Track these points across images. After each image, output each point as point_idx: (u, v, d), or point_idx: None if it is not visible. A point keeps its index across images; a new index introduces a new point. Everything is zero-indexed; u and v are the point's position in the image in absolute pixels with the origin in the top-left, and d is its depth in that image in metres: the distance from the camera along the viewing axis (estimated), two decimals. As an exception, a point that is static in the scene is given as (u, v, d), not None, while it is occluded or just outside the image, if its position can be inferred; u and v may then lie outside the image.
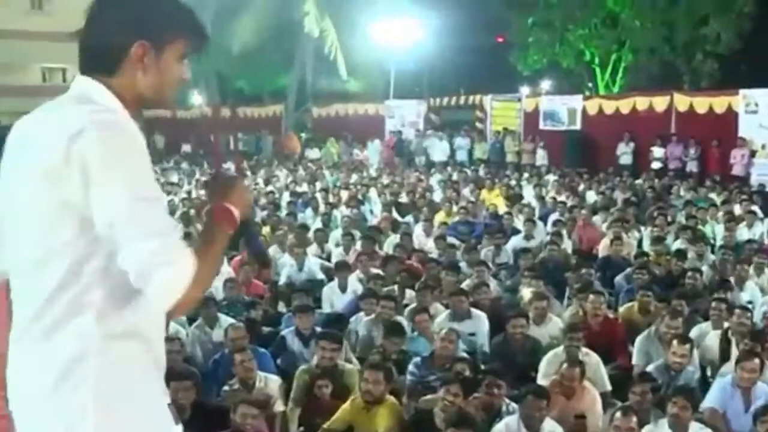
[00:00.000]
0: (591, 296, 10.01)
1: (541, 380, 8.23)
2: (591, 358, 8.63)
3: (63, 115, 2.48)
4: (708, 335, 9.54)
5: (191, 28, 2.71)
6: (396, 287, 11.40)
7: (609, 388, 8.49)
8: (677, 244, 14.17)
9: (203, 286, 2.52)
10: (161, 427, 2.69)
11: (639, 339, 9.44)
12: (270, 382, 8.19)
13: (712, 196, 20.22)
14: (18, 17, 45.33)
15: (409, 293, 11.39)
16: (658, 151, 26.51)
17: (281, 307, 11.71)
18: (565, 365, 7.99)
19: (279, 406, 8.05)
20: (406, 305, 10.83)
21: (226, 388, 8.17)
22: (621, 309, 10.89)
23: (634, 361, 9.32)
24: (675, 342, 8.44)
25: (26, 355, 2.54)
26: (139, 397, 2.62)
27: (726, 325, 9.44)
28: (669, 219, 16.25)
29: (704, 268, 12.48)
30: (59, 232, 2.47)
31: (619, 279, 12.41)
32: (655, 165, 26.30)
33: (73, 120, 2.42)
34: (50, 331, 2.47)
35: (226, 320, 9.83)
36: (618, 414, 6.95)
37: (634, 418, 6.86)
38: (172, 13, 2.67)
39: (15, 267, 2.58)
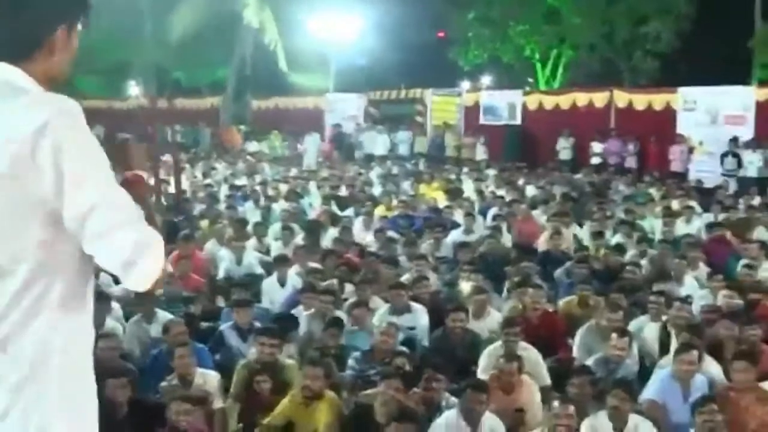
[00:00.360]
0: (530, 290, 10.06)
1: (481, 374, 8.21)
2: (530, 352, 8.63)
3: (13, 107, 2.33)
4: (647, 327, 9.60)
5: (88, 4, 2.66)
6: (335, 281, 11.33)
7: (549, 382, 8.49)
8: (616, 239, 14.26)
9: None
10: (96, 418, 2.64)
11: (579, 332, 9.47)
12: (209, 379, 8.08)
13: (651, 191, 20.39)
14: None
15: (349, 287, 11.34)
16: (597, 147, 26.81)
17: (220, 301, 11.58)
18: (502, 360, 7.99)
19: (218, 403, 7.95)
20: (346, 299, 10.77)
21: (164, 384, 8.06)
22: (561, 303, 10.89)
23: (574, 354, 9.34)
24: (614, 335, 8.51)
25: None
26: (91, 390, 2.59)
27: (665, 318, 9.50)
28: (608, 214, 16.35)
29: (643, 262, 12.58)
30: (27, 231, 2.37)
31: (558, 273, 12.44)
32: (595, 160, 26.62)
33: (33, 113, 2.31)
34: (9, 339, 2.38)
35: (164, 315, 9.70)
36: (556, 403, 6.99)
37: (572, 407, 6.91)
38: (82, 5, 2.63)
39: None
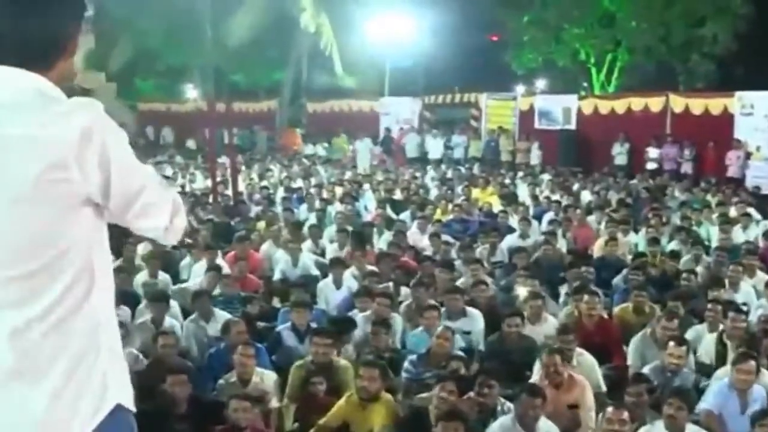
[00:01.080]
0: (586, 296, 9.98)
1: (536, 380, 8.20)
2: (585, 358, 8.63)
3: (50, 115, 2.43)
4: (704, 338, 9.51)
5: (85, 6, 2.74)
6: (391, 284, 11.38)
7: (604, 388, 8.48)
8: (672, 245, 14.16)
9: None
10: None
11: (634, 340, 9.42)
12: (266, 378, 8.20)
13: (707, 197, 20.17)
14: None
15: (404, 290, 11.38)
16: (653, 152, 26.48)
17: (276, 302, 11.69)
18: (544, 355, 7.98)
19: (274, 402, 8.07)
20: (401, 302, 10.82)
21: (221, 381, 8.17)
22: (616, 309, 10.82)
23: (629, 362, 9.30)
24: (672, 343, 8.42)
25: (34, 350, 2.51)
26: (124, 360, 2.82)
27: (721, 327, 9.42)
28: (663, 220, 16.23)
29: (699, 269, 12.49)
30: (77, 227, 2.51)
31: (617, 280, 12.36)
32: (650, 166, 26.25)
33: (75, 120, 2.42)
34: (65, 320, 2.52)
35: (221, 315, 9.88)
36: (610, 408, 6.97)
37: (626, 413, 6.88)
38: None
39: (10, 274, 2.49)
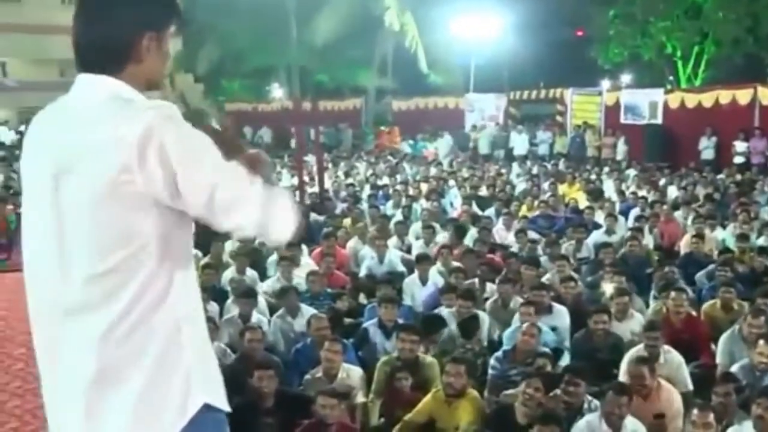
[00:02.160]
0: (673, 293, 9.85)
1: (623, 378, 8.12)
2: (672, 355, 8.52)
3: (122, 118, 2.57)
4: None
5: (178, 12, 2.87)
6: (476, 281, 11.40)
7: (691, 387, 8.35)
8: (761, 241, 13.94)
9: None
10: None
11: (722, 338, 9.26)
12: (352, 373, 8.27)
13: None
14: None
15: (490, 287, 11.40)
16: (740, 146, 26.03)
17: (362, 298, 11.79)
18: (632, 364, 7.91)
19: (360, 397, 8.14)
20: (487, 299, 10.84)
21: (308, 377, 8.28)
22: (704, 306, 10.61)
23: (717, 360, 9.16)
24: (761, 342, 8.27)
25: (116, 353, 2.63)
26: (212, 354, 2.97)
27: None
28: (752, 215, 15.96)
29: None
30: (148, 227, 2.63)
31: (699, 276, 12.19)
32: (738, 160, 25.80)
33: (136, 122, 2.54)
34: (144, 317, 2.63)
35: (307, 310, 9.98)
36: (695, 410, 6.89)
37: (711, 415, 6.77)
38: (169, 1, 2.84)
39: (82, 276, 2.62)
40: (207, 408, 2.72)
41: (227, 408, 2.84)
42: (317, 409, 7.13)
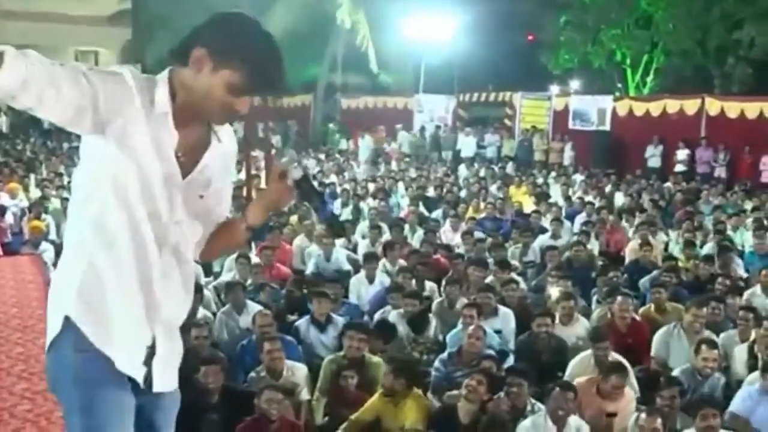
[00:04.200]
0: (619, 298, 9.93)
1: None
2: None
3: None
4: (736, 347, 9.32)
5: (250, 66, 2.87)
6: (414, 281, 11.39)
7: (638, 393, 8.36)
8: (706, 250, 14.09)
9: None
10: None
11: (658, 333, 9.46)
12: (297, 371, 8.25)
13: (741, 202, 20.02)
14: (56, 1, 45.84)
15: (429, 285, 11.42)
16: (681, 154, 26.38)
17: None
18: (614, 377, 7.78)
19: (304, 395, 8.11)
20: (427, 298, 10.84)
21: (253, 374, 8.24)
22: (640, 310, 10.64)
23: (652, 353, 9.35)
24: (704, 347, 8.38)
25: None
26: None
27: (753, 335, 9.32)
28: (696, 224, 16.12)
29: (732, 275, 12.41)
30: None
31: (643, 281, 12.28)
32: (679, 168, 26.17)
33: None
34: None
35: (253, 307, 9.91)
36: (643, 415, 6.94)
37: (659, 420, 6.85)
38: (241, 42, 2.88)
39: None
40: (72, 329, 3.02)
41: (101, 347, 3.05)
42: (261, 404, 7.09)
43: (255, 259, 12.44)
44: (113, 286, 3.01)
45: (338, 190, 20.75)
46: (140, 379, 3.12)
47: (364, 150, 32.39)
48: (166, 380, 3.23)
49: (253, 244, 13.13)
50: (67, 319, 3.00)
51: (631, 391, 7.97)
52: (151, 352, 3.15)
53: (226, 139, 3.19)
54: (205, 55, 2.83)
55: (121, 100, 2.77)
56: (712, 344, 8.55)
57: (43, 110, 2.62)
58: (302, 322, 9.65)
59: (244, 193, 18.69)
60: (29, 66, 2.49)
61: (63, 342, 3.02)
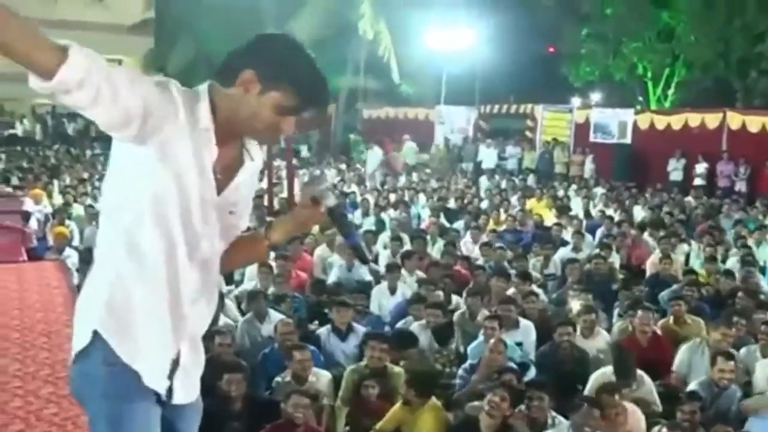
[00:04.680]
0: (640, 312, 9.92)
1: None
2: (644, 380, 8.56)
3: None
4: (758, 362, 9.24)
5: (298, 88, 2.94)
6: (441, 293, 11.41)
7: (660, 408, 8.39)
8: (729, 264, 14.07)
9: None
10: None
11: (683, 347, 9.46)
12: (321, 378, 8.34)
13: (762, 217, 19.93)
14: (78, 9, 46.12)
15: (456, 300, 11.44)
16: (699, 168, 26.35)
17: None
18: (604, 395, 7.75)
19: (327, 400, 8.18)
20: (452, 311, 10.86)
21: (278, 379, 8.29)
22: (660, 323, 10.59)
23: (674, 368, 9.35)
24: (720, 358, 8.39)
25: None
26: None
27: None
28: (717, 239, 16.05)
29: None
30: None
31: (663, 295, 12.22)
32: (697, 182, 26.12)
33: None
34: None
35: (275, 315, 9.97)
36: (664, 429, 6.95)
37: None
38: (289, 64, 2.94)
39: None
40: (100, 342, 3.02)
41: (128, 362, 3.06)
42: (287, 409, 7.14)
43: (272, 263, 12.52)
44: (142, 300, 3.02)
45: (358, 199, 20.81)
46: (163, 392, 3.15)
47: (372, 162, 32.45)
48: (188, 392, 3.26)
49: (272, 254, 13.20)
50: (95, 332, 3.02)
51: (637, 410, 7.86)
52: (176, 365, 3.18)
53: (257, 158, 3.22)
54: (254, 77, 2.87)
55: (167, 112, 2.77)
56: (729, 356, 8.53)
57: (94, 111, 2.58)
58: (323, 331, 9.70)
59: (266, 202, 18.81)
60: (91, 64, 2.48)
61: (91, 354, 3.03)
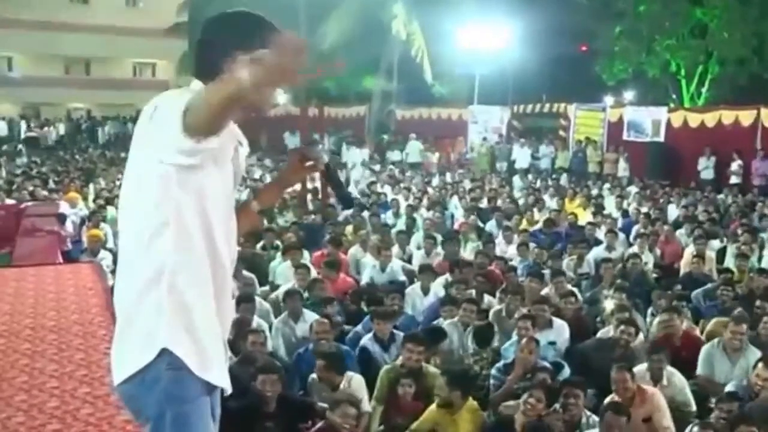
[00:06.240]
0: (674, 312, 9.93)
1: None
2: (676, 378, 8.56)
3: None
4: None
5: (266, 27, 3.16)
6: (474, 292, 11.44)
7: (694, 408, 8.38)
8: (763, 263, 13.98)
9: None
10: None
11: (703, 349, 9.40)
12: (353, 381, 8.32)
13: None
14: (113, 13, 46.48)
15: (488, 298, 11.45)
16: (734, 165, 26.12)
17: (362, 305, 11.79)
18: (614, 371, 7.91)
19: (366, 406, 8.17)
20: (485, 310, 10.88)
21: (313, 376, 8.34)
22: (709, 325, 10.51)
23: (698, 371, 9.29)
24: (761, 364, 8.28)
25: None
26: None
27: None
28: (751, 236, 15.93)
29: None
30: None
31: (696, 294, 12.20)
32: (733, 180, 25.92)
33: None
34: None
35: (310, 315, 10.01)
36: (696, 428, 6.94)
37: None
38: (249, 27, 3.12)
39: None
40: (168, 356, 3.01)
41: (197, 372, 3.07)
42: (335, 418, 7.21)
43: (308, 264, 12.56)
44: (197, 304, 3.05)
45: (388, 200, 20.87)
46: (228, 387, 3.24)
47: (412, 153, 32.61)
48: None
49: (306, 252, 13.27)
50: (163, 350, 3.01)
51: (656, 391, 7.93)
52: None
53: (245, 143, 3.32)
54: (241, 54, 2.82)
55: None
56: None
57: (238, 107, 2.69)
58: (367, 342, 9.58)
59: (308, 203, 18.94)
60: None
61: (152, 366, 3.02)
